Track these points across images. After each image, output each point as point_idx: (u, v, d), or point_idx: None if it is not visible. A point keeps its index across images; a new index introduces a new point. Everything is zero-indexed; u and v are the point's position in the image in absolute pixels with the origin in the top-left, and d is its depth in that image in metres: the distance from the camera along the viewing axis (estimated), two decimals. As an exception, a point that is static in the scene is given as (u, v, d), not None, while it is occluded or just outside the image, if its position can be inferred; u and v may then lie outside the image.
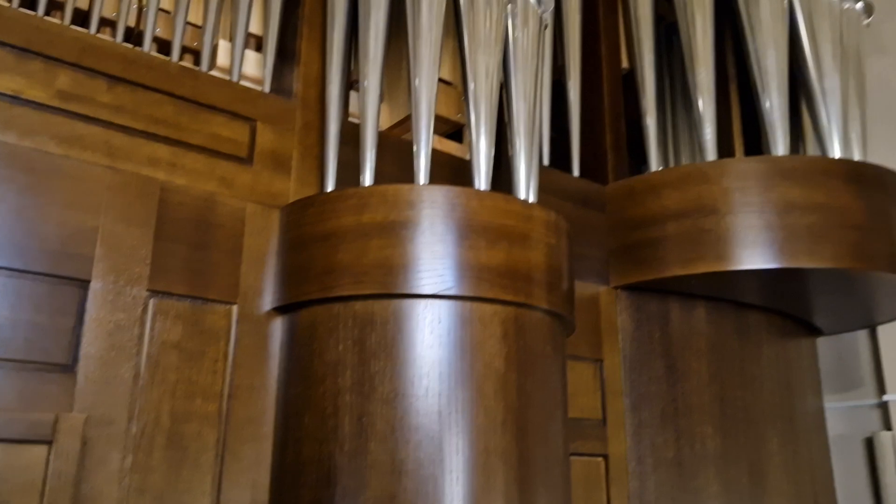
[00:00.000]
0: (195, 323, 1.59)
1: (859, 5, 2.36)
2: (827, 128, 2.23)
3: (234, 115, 1.75)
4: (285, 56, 1.96)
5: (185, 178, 1.65)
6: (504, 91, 1.96)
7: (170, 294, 1.57)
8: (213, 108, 1.72)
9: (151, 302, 1.54)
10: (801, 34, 2.30)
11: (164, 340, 1.54)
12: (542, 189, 2.02)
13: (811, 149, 2.57)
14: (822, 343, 2.88)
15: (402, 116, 2.17)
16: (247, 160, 1.75)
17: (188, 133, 1.68)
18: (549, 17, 2.12)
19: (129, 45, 1.69)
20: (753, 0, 2.28)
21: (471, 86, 1.86)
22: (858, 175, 2.08)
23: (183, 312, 1.58)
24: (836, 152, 2.20)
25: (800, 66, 2.31)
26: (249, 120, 1.77)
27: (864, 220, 2.03)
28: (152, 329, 1.53)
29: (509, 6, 1.95)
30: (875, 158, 2.44)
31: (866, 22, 2.42)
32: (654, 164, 2.36)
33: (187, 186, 1.65)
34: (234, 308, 1.65)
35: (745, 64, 2.31)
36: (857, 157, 2.26)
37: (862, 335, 2.93)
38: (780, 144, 2.16)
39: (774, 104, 2.20)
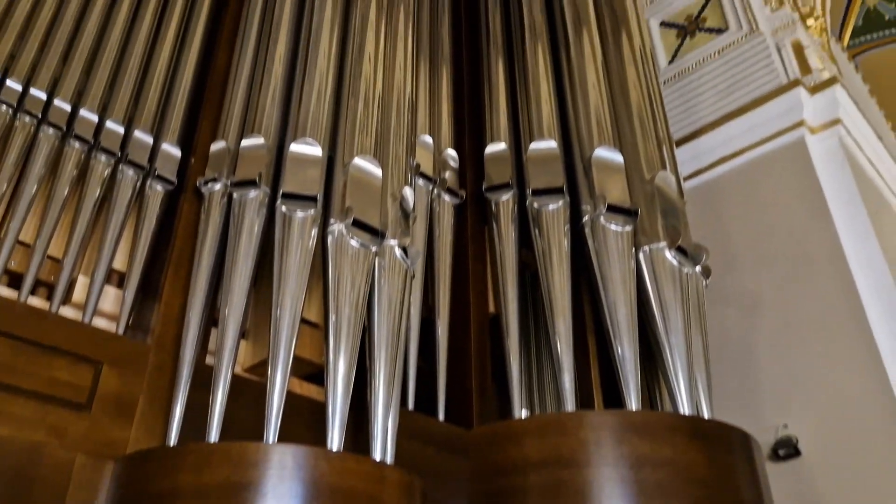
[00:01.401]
0: None
1: (698, 269, 2.62)
2: (675, 382, 2.36)
3: (79, 358, 1.67)
4: (147, 293, 1.94)
5: (9, 426, 1.53)
6: (367, 337, 1.99)
7: (-36, 565, 1.38)
8: (55, 349, 1.65)
9: (-62, 577, 1.35)
10: (648, 293, 2.51)
11: None
12: (405, 434, 1.99)
13: (666, 400, 2.71)
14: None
15: (266, 355, 2.14)
16: (84, 406, 1.64)
17: (21, 377, 1.58)
18: (416, 268, 2.23)
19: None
20: (604, 259, 2.50)
21: (331, 326, 1.88)
22: (702, 432, 2.18)
23: (-24, 588, 1.38)
24: (684, 405, 2.31)
25: (649, 322, 2.49)
26: (95, 362, 1.69)
27: (709, 477, 2.10)
28: None
29: (377, 258, 2.04)
30: (720, 406, 2.58)
31: (705, 283, 2.68)
32: (518, 408, 2.40)
33: (10, 436, 1.52)
34: (40, 580, 1.46)
35: (601, 317, 2.47)
36: (704, 409, 2.38)
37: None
38: (632, 398, 2.26)
39: (627, 357, 2.33)
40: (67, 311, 1.86)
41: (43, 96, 1.88)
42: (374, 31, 2.68)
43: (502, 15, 3.40)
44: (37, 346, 1.62)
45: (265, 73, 2.37)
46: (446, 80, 3.16)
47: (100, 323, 1.90)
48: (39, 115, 1.87)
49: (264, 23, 2.49)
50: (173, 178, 2.05)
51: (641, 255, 2.54)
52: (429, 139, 2.57)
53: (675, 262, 2.53)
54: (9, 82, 1.83)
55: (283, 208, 1.96)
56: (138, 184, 2.01)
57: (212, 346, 2.01)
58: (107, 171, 1.98)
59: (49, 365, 1.62)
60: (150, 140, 2.04)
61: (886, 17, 5.85)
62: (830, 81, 3.13)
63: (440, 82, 3.13)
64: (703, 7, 3.61)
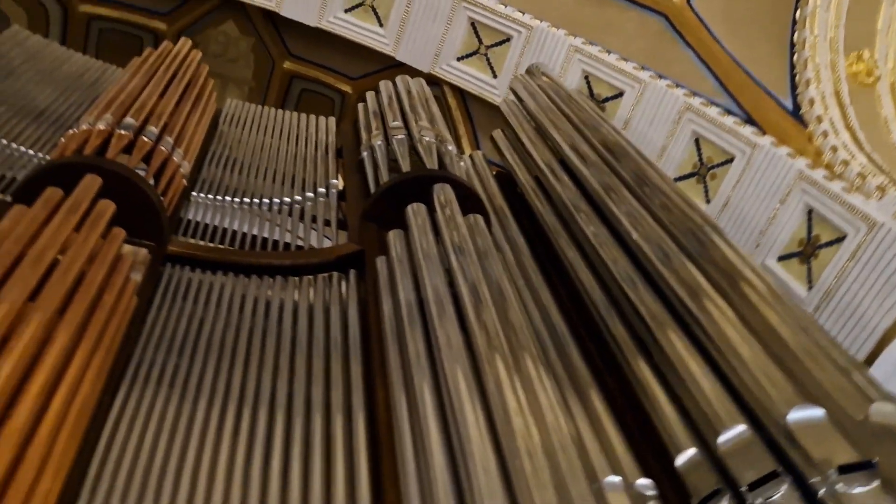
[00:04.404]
0: None
1: None
2: None
3: None
4: None
5: None
6: None
7: None
8: None
9: None
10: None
11: None
12: None
13: None
14: None
15: None
16: None
17: None
18: None
19: None
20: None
21: None
22: None
23: None
24: None
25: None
26: None
27: None
28: None
29: None
30: None
31: None
32: None
33: None
34: None
35: None
36: None
37: None
38: None
39: None
40: None
41: None
42: (510, 388, 2.70)
43: (619, 317, 3.41)
44: None
45: (430, 478, 2.36)
46: (599, 404, 3.06)
47: None
48: None
49: (415, 436, 2.56)
50: None
51: (908, 509, 2.10)
52: (615, 479, 2.40)
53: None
54: None
55: None
56: None
57: None
58: None
59: None
60: None
61: None
62: None
63: (594, 408, 3.04)
64: (809, 227, 3.55)
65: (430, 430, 2.52)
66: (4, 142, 4.15)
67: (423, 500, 2.30)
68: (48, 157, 3.82)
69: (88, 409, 2.28)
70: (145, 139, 3.63)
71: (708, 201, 4.55)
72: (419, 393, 2.67)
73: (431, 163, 4.24)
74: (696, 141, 4.77)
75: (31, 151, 4.18)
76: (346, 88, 7.87)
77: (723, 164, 4.47)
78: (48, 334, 2.25)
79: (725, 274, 3.05)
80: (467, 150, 7.08)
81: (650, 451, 2.73)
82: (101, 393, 2.47)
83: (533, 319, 3.51)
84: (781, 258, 3.65)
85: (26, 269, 2.41)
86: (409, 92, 5.26)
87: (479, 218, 3.70)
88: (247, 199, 4.44)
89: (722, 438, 2.40)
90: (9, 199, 3.34)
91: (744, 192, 4.17)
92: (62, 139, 3.61)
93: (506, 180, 5.28)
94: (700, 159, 4.73)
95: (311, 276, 3.74)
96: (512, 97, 5.84)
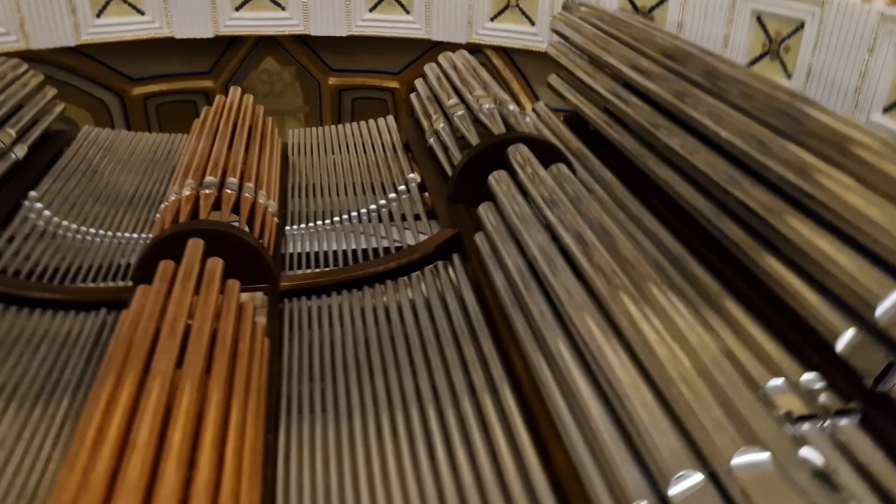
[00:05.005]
0: None
1: None
2: None
3: None
4: None
5: None
6: None
7: None
8: None
9: None
10: None
11: None
12: None
13: None
14: None
15: None
16: None
17: None
18: None
19: None
20: None
21: None
22: None
23: None
24: None
25: None
26: None
27: None
28: None
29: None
30: None
31: None
32: None
33: None
34: None
35: None
36: None
37: None
38: None
39: None
40: None
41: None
42: (644, 320, 2.65)
43: (732, 219, 3.27)
44: None
45: (592, 428, 2.36)
46: (737, 311, 2.97)
47: None
48: None
49: (565, 393, 2.56)
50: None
51: None
52: (777, 381, 2.32)
53: None
54: None
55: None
56: None
57: None
58: None
59: None
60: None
61: None
62: None
63: (733, 317, 2.95)
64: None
65: (577, 383, 2.52)
66: (110, 233, 4.43)
67: (592, 451, 2.31)
68: (150, 236, 4.05)
69: (259, 452, 2.41)
70: (228, 191, 3.79)
71: (789, 76, 4.28)
72: (556, 351, 2.67)
73: (498, 128, 4.21)
74: (759, 18, 4.49)
75: (135, 235, 4.45)
76: (394, 84, 7.91)
77: (793, 33, 4.19)
78: (203, 394, 2.39)
79: (830, 142, 2.88)
80: (528, 106, 6.98)
81: (805, 345, 2.62)
82: (265, 434, 2.60)
83: (645, 248, 3.44)
84: (887, 109, 3.39)
85: (166, 340, 2.57)
86: (454, 67, 5.23)
87: (562, 166, 3.65)
88: (336, 218, 4.56)
89: (880, 311, 2.27)
90: (130, 283, 3.56)
91: (824, 55, 3.89)
92: (157, 215, 3.82)
93: (575, 122, 5.17)
94: (768, 36, 4.45)
95: (418, 272, 3.80)
96: (556, 38, 5.70)
